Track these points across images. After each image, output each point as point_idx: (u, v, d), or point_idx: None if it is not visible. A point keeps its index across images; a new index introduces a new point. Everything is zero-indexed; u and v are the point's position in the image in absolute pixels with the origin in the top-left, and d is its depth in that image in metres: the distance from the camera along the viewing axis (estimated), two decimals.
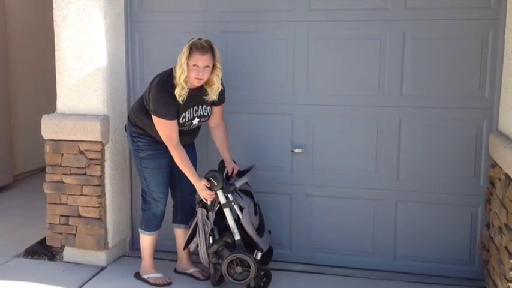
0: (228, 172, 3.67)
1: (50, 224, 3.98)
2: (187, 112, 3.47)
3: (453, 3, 3.55)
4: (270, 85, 3.91)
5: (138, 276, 3.77)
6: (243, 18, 3.89)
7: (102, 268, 3.95)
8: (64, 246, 4.05)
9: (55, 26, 3.86)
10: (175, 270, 3.86)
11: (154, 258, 3.82)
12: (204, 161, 4.00)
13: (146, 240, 3.73)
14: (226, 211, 3.47)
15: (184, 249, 3.68)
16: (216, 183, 3.43)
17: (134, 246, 4.19)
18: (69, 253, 4.05)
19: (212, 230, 3.48)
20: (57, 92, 3.92)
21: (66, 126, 3.82)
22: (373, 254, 3.90)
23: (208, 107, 3.57)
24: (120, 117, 3.93)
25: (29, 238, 4.40)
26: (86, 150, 3.83)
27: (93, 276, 3.83)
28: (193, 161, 3.68)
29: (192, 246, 3.59)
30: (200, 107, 3.52)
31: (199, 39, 3.36)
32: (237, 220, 3.48)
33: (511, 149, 2.93)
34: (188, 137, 3.62)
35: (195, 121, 3.54)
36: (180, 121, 3.45)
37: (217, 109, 3.63)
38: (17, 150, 6.26)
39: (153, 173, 3.60)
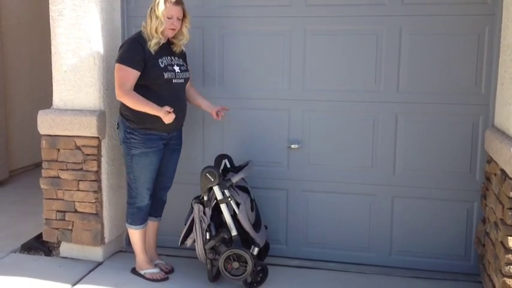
0: (223, 167, 3.67)
1: (46, 219, 3.97)
2: (163, 58, 3.50)
3: None
4: (267, 80, 3.90)
5: (134, 271, 3.77)
6: (239, 14, 3.89)
7: (99, 263, 3.95)
8: (61, 242, 4.05)
9: (51, 21, 3.84)
10: None
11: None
12: (200, 159, 4.02)
13: (135, 235, 3.72)
14: (223, 207, 3.47)
15: (180, 245, 3.68)
16: (212, 179, 3.43)
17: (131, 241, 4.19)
18: (65, 248, 4.05)
19: (209, 225, 3.49)
20: (53, 87, 3.91)
21: (63, 121, 3.82)
22: (369, 249, 3.92)
23: (180, 58, 3.62)
24: (117, 113, 3.91)
25: (25, 233, 4.39)
26: (83, 146, 3.82)
27: (90, 271, 3.83)
28: (176, 163, 3.76)
29: (188, 242, 3.59)
30: (173, 58, 3.57)
31: None
32: (234, 216, 3.48)
33: (506, 144, 2.94)
34: (177, 104, 3.50)
35: (177, 68, 3.54)
36: (161, 65, 3.47)
37: None
38: (13, 145, 6.24)
39: (143, 170, 3.58)
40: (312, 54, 3.81)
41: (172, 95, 3.51)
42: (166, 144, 3.64)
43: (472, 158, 3.67)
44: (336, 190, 3.90)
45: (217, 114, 3.71)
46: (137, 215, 3.68)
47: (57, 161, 3.87)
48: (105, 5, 3.86)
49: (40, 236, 4.16)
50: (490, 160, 3.37)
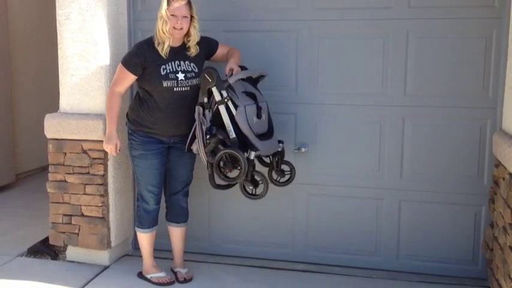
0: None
1: (52, 223, 3.97)
2: (167, 65, 3.45)
3: (457, 2, 3.54)
4: (273, 84, 3.89)
5: (141, 275, 3.77)
6: (245, 17, 3.89)
7: (105, 267, 3.95)
8: (67, 246, 4.05)
9: (58, 25, 3.86)
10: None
11: (156, 257, 3.82)
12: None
13: (142, 238, 3.72)
14: (221, 108, 3.37)
15: (187, 151, 3.59)
16: (210, 80, 3.35)
17: (137, 245, 4.16)
18: (72, 252, 4.06)
19: (209, 128, 3.40)
20: (60, 91, 3.92)
21: (69, 125, 3.82)
22: (376, 253, 3.90)
23: (192, 64, 3.52)
24: (124, 116, 3.92)
25: (31, 237, 4.40)
26: (89, 150, 3.82)
27: (97, 275, 3.83)
28: (189, 166, 3.69)
29: (194, 148, 3.52)
30: (182, 62, 3.50)
31: None
32: (233, 118, 3.38)
33: None
34: (177, 112, 3.49)
35: (180, 76, 3.47)
36: (162, 73, 3.42)
37: (220, 52, 3.67)
38: (20, 149, 6.26)
39: (143, 172, 3.59)
40: (319, 58, 3.80)
41: (171, 102, 3.48)
42: (173, 147, 3.64)
43: (480, 162, 3.65)
44: (343, 194, 3.89)
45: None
46: (144, 218, 3.68)
47: (63, 164, 3.88)
48: (112, 9, 3.87)
49: (46, 239, 4.17)
50: (498, 164, 3.35)
